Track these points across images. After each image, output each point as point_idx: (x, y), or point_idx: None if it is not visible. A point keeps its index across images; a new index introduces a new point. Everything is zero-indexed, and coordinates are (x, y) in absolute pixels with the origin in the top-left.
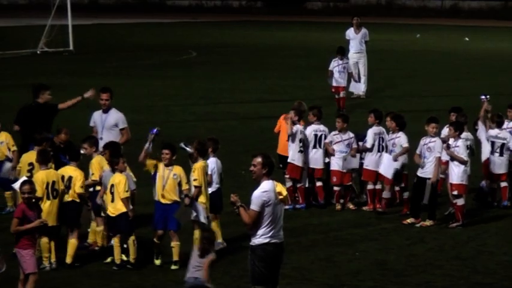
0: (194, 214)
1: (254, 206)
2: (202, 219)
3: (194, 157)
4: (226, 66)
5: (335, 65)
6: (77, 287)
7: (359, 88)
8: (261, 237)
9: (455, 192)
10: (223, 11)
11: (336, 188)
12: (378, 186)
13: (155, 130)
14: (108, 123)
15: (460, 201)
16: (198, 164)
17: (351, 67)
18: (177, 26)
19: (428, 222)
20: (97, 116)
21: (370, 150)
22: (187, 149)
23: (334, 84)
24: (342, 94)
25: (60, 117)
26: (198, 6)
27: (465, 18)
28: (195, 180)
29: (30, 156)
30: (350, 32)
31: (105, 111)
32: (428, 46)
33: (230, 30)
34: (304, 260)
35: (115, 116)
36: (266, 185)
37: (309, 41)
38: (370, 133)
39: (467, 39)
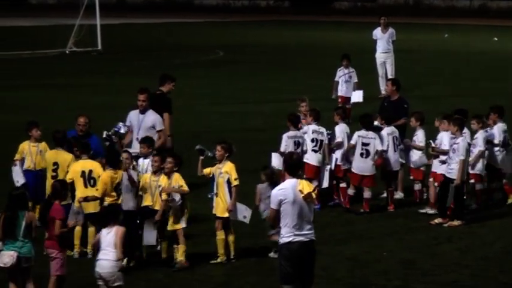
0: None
1: (272, 204)
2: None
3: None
4: (254, 66)
5: (340, 75)
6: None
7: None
8: (284, 236)
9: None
10: (250, 11)
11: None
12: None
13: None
14: (145, 124)
15: (478, 186)
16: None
17: (381, 71)
18: (204, 26)
19: (456, 223)
20: (134, 116)
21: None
22: (207, 152)
23: (340, 94)
24: (350, 105)
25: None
26: (226, 6)
27: (494, 18)
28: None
29: (55, 155)
30: (377, 32)
31: (142, 111)
32: (456, 46)
33: (257, 30)
34: (331, 259)
35: (152, 117)
36: (284, 183)
37: (336, 41)
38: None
39: (495, 39)
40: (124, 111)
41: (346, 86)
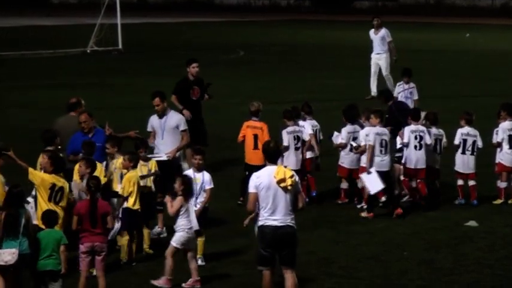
0: None
1: (250, 188)
2: None
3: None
4: (274, 65)
5: (400, 91)
6: (126, 286)
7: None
8: (259, 220)
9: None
10: (271, 10)
11: None
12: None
13: None
14: (169, 126)
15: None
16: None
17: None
18: (225, 25)
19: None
20: (155, 121)
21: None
22: None
23: None
24: None
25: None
26: (246, 6)
27: None
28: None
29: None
30: (371, 33)
31: (161, 115)
32: (478, 45)
33: (278, 29)
34: (351, 259)
35: (176, 117)
36: (263, 170)
37: (357, 40)
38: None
39: None
40: (143, 111)
41: (407, 102)
